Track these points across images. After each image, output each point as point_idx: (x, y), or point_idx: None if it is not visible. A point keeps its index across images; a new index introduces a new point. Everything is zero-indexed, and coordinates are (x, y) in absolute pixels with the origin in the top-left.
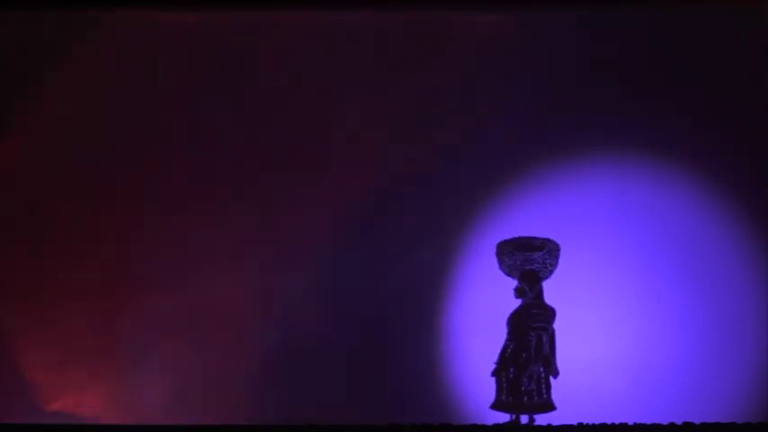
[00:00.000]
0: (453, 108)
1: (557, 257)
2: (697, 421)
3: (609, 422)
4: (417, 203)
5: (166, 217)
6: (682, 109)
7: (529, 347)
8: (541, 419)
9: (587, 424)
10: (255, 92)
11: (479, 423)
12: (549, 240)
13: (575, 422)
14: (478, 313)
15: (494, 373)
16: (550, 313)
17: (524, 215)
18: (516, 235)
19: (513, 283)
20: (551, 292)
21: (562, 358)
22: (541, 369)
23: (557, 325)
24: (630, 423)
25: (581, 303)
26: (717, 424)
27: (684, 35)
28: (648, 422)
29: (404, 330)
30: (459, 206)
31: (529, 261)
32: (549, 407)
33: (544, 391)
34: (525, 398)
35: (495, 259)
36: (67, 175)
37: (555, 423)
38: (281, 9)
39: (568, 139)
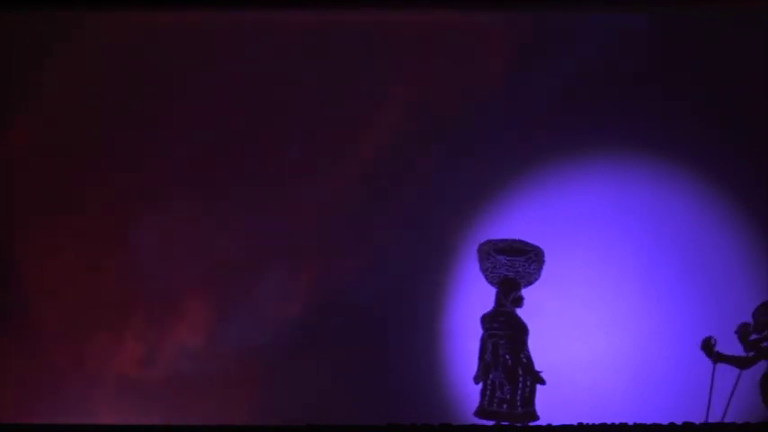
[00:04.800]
0: (453, 108)
1: (539, 264)
2: (697, 421)
3: (609, 422)
4: (417, 204)
5: (162, 216)
6: (681, 109)
7: (485, 354)
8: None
9: (587, 424)
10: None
11: (479, 423)
12: (531, 247)
13: (575, 422)
14: (478, 314)
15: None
16: (514, 324)
17: (524, 215)
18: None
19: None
20: (551, 291)
21: (562, 358)
22: (503, 377)
23: (548, 329)
24: (630, 423)
25: (581, 303)
26: (717, 424)
27: (685, 35)
28: (648, 422)
29: (403, 331)
30: (459, 206)
31: (505, 266)
32: (523, 418)
33: (519, 402)
34: (505, 406)
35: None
36: (66, 171)
37: (555, 423)
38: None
39: (568, 139)
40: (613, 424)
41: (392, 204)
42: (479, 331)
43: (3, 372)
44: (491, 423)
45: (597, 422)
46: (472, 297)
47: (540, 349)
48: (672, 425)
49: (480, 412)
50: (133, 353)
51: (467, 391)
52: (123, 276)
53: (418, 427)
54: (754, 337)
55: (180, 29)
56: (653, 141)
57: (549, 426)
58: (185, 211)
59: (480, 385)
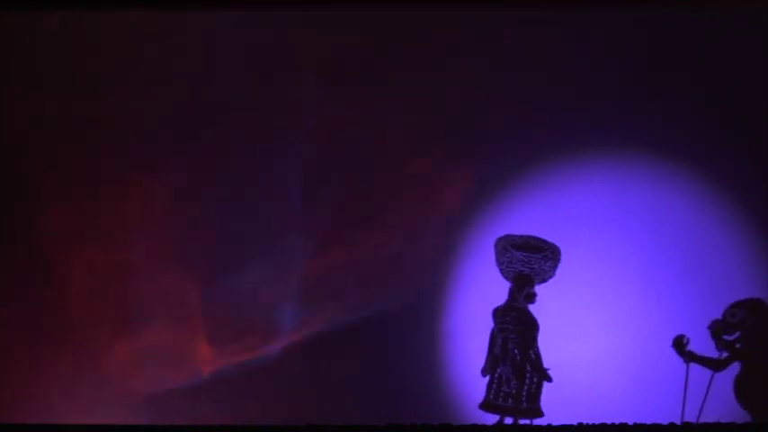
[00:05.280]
0: (453, 109)
1: (554, 261)
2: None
3: (609, 422)
4: (417, 204)
5: (169, 216)
6: (681, 109)
7: (494, 348)
8: (539, 420)
9: (587, 424)
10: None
11: (479, 423)
12: (548, 245)
13: (575, 422)
14: (478, 313)
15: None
16: (526, 320)
17: (525, 215)
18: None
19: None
20: (552, 291)
21: (563, 358)
22: (510, 371)
23: (548, 328)
24: (630, 423)
25: (581, 303)
26: (717, 424)
27: (685, 35)
28: (648, 422)
29: (403, 331)
30: (459, 206)
31: (521, 262)
32: (528, 414)
33: (524, 397)
34: (510, 400)
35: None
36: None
37: (555, 423)
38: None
39: (568, 139)
40: (613, 424)
41: (392, 204)
42: (479, 331)
43: (3, 372)
44: (495, 416)
45: (597, 422)
46: (472, 297)
47: (541, 349)
48: (672, 425)
49: (485, 405)
50: (134, 353)
51: (467, 391)
52: (124, 276)
53: (418, 427)
54: (726, 338)
55: (180, 28)
56: (653, 141)
57: (549, 426)
58: (188, 211)
59: (487, 378)
